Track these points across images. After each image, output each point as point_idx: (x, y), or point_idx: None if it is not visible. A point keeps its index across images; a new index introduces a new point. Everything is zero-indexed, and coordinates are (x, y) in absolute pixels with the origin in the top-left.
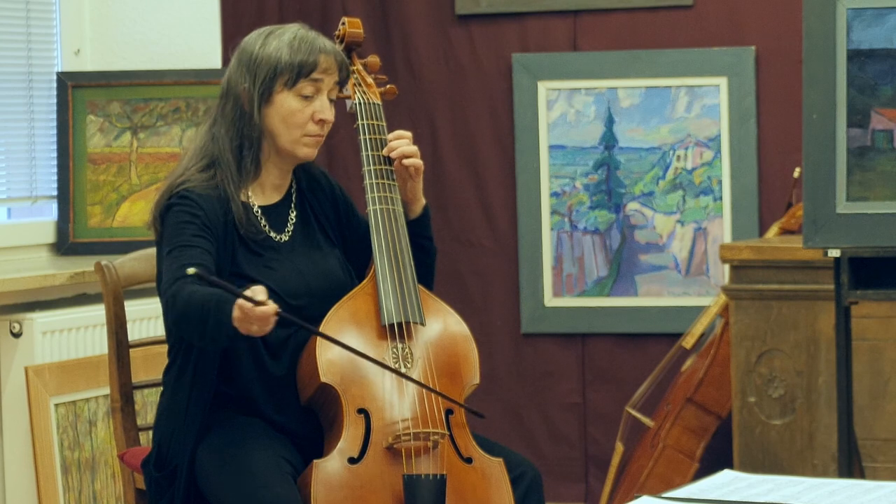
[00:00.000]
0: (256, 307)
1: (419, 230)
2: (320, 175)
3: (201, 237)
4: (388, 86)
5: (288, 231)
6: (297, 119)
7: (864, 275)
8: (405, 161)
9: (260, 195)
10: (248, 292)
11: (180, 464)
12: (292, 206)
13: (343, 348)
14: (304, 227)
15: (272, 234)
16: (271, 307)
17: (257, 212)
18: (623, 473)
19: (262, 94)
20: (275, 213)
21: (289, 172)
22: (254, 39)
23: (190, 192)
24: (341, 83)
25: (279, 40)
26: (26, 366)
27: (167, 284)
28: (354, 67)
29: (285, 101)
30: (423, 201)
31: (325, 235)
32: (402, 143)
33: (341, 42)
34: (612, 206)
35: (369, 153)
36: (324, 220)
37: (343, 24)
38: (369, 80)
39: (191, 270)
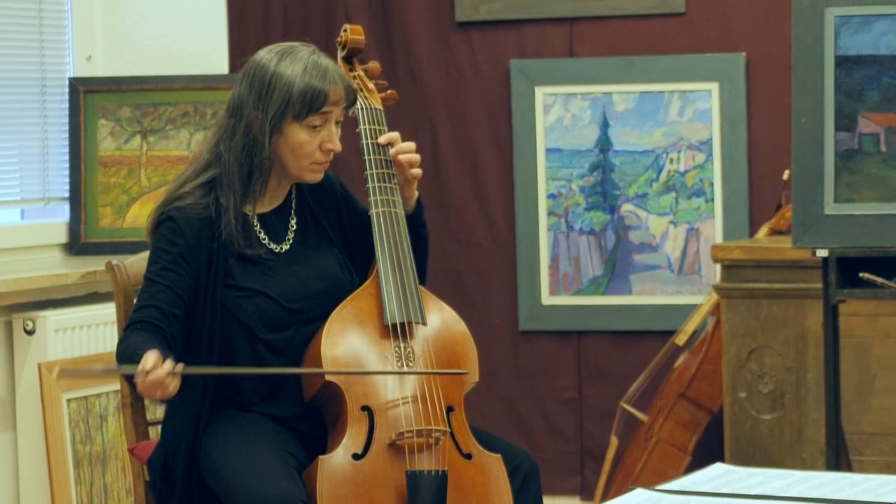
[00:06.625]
0: (147, 377)
1: (416, 220)
2: None
3: (171, 271)
4: (388, 91)
5: (288, 240)
6: (306, 150)
7: (851, 274)
8: (413, 171)
9: (258, 205)
10: (141, 364)
11: (181, 460)
12: (292, 212)
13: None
14: (304, 233)
15: (272, 246)
16: (160, 371)
17: (256, 224)
18: (618, 466)
19: (273, 126)
20: (273, 222)
21: (290, 183)
22: (266, 62)
23: (177, 215)
24: (348, 107)
25: (291, 69)
26: (39, 362)
27: (131, 315)
28: (356, 73)
29: (295, 133)
30: (416, 194)
31: (326, 237)
32: (410, 146)
33: (343, 48)
34: (607, 208)
35: (371, 157)
36: (324, 221)
37: (345, 30)
38: (370, 85)
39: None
